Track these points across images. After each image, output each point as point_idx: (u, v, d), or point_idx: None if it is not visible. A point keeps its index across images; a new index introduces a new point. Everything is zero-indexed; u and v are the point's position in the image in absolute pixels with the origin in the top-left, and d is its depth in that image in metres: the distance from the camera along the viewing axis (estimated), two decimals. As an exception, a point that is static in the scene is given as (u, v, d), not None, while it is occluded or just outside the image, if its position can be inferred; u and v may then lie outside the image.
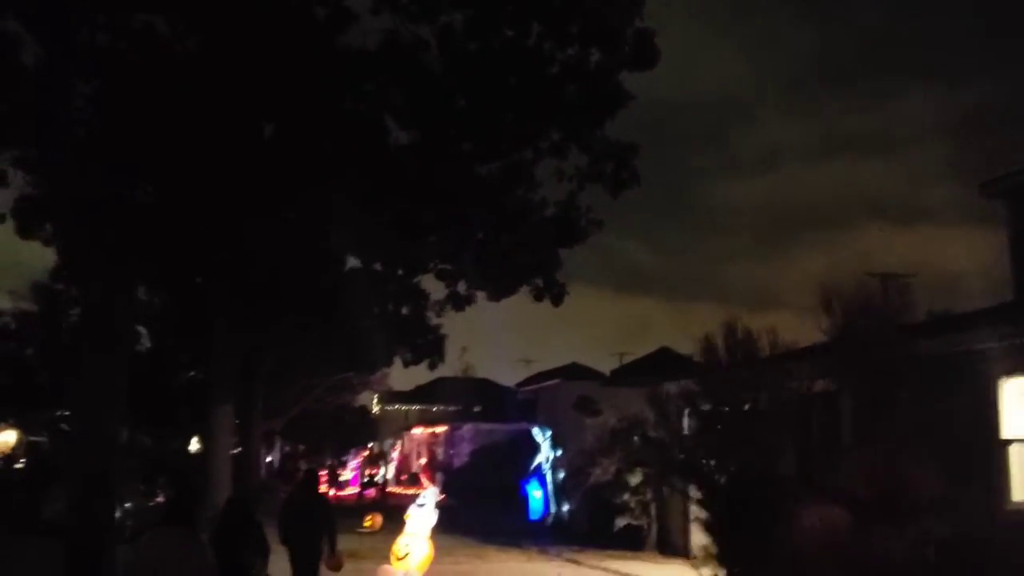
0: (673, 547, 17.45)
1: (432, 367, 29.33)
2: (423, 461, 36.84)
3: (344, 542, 16.99)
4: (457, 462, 34.97)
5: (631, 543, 17.77)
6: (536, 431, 23.74)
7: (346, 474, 38.74)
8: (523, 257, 13.59)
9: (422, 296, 29.01)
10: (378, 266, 21.38)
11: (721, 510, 11.05)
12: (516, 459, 30.28)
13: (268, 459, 50.49)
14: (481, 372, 58.42)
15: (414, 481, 38.80)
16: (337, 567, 11.48)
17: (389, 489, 34.20)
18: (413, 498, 34.22)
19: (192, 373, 38.10)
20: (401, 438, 49.33)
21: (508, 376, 49.56)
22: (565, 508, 22.82)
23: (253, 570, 9.33)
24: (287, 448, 58.70)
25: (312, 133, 12.42)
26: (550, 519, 22.97)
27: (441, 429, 39.85)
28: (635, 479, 17.77)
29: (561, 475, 23.09)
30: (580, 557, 17.28)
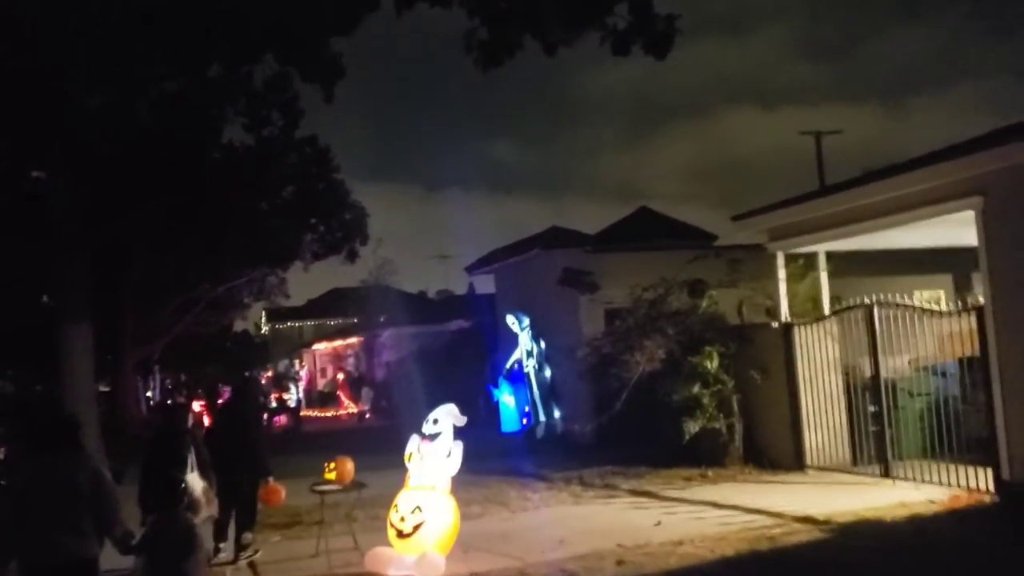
0: (772, 457, 11.21)
1: (352, 256, 22.00)
2: (340, 376, 29.50)
3: (297, 505, 10.24)
4: (380, 374, 27.90)
5: (706, 456, 11.45)
6: (511, 320, 16.96)
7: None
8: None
9: (332, 166, 21.36)
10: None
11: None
12: (462, 362, 23.60)
13: (148, 393, 42.00)
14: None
15: (328, 401, 31.55)
16: (276, 499, 8.58)
17: (303, 412, 26.94)
18: (334, 423, 27.00)
19: (46, 298, 29.40)
20: (299, 357, 41.63)
21: (411, 282, 42.31)
22: (558, 415, 16.37)
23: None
24: (168, 380, 49.94)
25: None
26: (540, 431, 16.46)
27: (353, 340, 32.52)
28: (710, 363, 11.35)
29: (549, 373, 16.56)
30: (644, 484, 10.89)
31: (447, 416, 8.12)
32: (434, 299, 36.27)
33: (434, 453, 7.95)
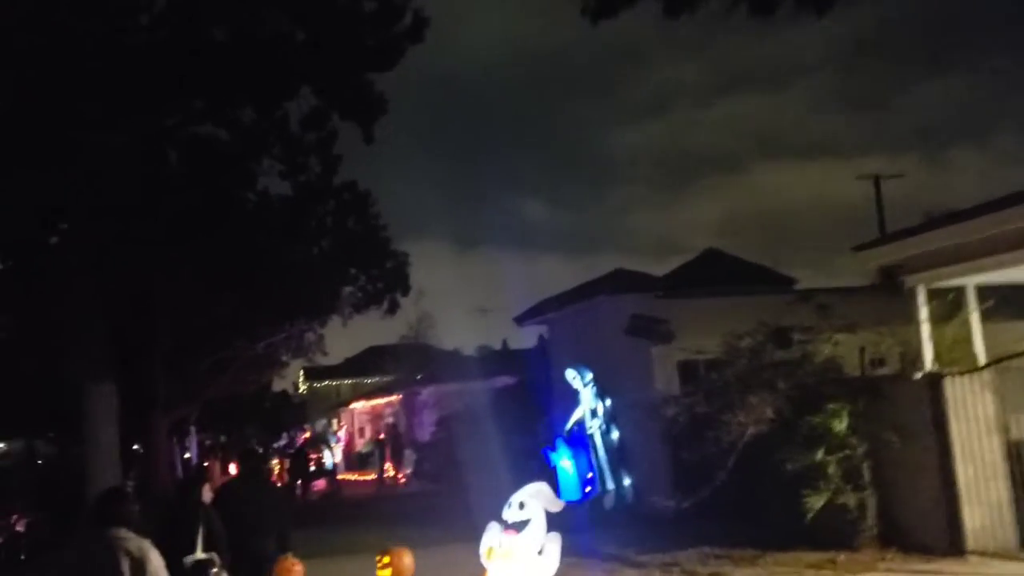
0: (917, 539, 8.80)
1: (393, 308, 19.97)
2: (381, 437, 27.26)
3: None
4: (421, 434, 25.63)
5: (831, 536, 9.06)
6: (572, 375, 14.75)
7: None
8: None
9: (372, 212, 19.46)
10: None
11: None
12: (511, 422, 21.31)
13: (187, 455, 39.93)
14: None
15: (367, 463, 29.22)
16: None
17: (340, 476, 24.65)
18: (374, 487, 24.55)
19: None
20: (337, 416, 39.47)
21: (446, 339, 40.13)
22: (628, 483, 14.03)
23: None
24: (208, 441, 47.93)
25: None
26: (608, 501, 14.11)
27: (392, 398, 30.34)
28: (838, 424, 9.06)
29: (616, 435, 14.28)
30: (763, 574, 8.53)
31: (536, 499, 5.93)
32: (473, 355, 34.12)
33: (522, 548, 5.75)
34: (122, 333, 16.50)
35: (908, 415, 8.93)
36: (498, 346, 36.51)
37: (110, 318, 15.28)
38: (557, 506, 5.95)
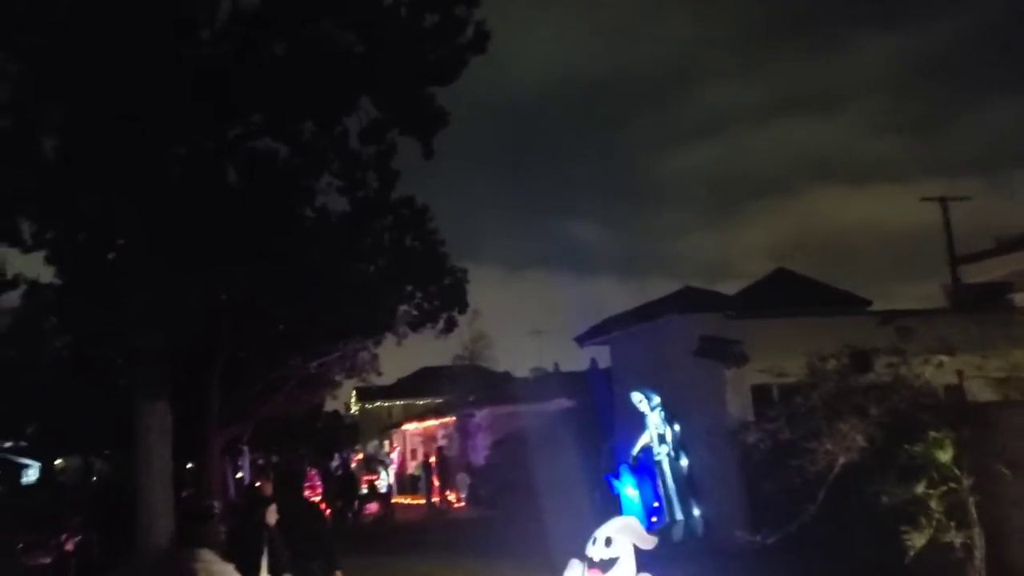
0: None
1: (450, 327, 19.50)
2: (432, 460, 26.74)
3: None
4: (475, 458, 25.03)
5: (932, 578, 8.27)
6: (638, 398, 14.08)
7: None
8: None
9: (428, 225, 19.08)
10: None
11: None
12: (570, 446, 20.65)
13: (239, 475, 39.90)
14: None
15: (418, 486, 28.71)
16: None
17: (394, 499, 24.15)
18: (427, 512, 23.93)
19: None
20: (389, 437, 39.14)
21: (498, 361, 39.66)
22: (697, 513, 13.28)
23: None
24: (260, 461, 48.00)
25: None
26: (677, 532, 13.35)
27: (446, 420, 29.85)
28: (942, 454, 8.28)
29: (685, 462, 13.55)
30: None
31: (625, 534, 5.34)
32: (526, 377, 33.55)
33: (609, 590, 5.17)
34: (180, 349, 16.34)
35: (1022, 446, 8.11)
36: (550, 368, 35.93)
37: (169, 334, 15.12)
38: (649, 543, 5.37)
